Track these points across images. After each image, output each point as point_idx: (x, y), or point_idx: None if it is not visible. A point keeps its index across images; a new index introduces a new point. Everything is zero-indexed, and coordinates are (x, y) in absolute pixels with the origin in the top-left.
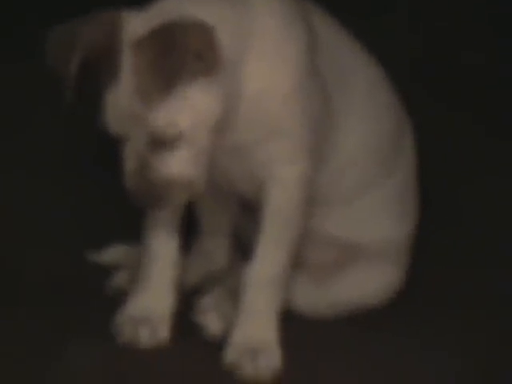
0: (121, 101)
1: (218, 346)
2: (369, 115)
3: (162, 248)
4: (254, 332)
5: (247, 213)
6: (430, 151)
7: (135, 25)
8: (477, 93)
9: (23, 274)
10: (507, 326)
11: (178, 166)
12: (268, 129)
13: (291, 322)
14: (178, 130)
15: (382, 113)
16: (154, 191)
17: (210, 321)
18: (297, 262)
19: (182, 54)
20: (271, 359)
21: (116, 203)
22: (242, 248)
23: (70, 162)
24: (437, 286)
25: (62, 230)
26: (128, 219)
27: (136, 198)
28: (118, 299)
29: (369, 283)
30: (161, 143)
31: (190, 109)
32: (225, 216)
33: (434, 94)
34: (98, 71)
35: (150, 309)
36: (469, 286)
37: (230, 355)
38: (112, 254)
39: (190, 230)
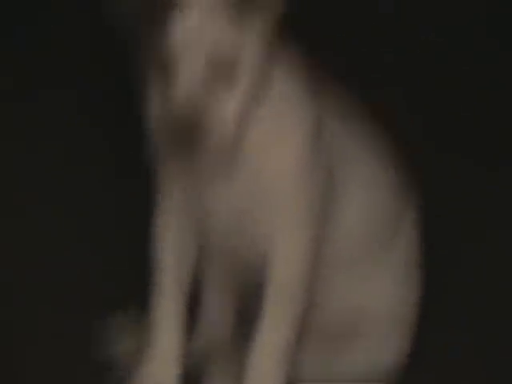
0: (192, 20)
1: None
2: (368, 195)
3: (168, 318)
4: None
5: (251, 288)
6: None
7: None
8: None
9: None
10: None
11: (231, 109)
12: (269, 199)
13: None
14: (239, 50)
15: (382, 188)
16: (193, 126)
17: None
18: (301, 332)
19: None
20: None
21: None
22: (246, 320)
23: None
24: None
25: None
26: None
27: (169, 130)
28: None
29: (373, 353)
30: (218, 72)
31: (251, 41)
32: (229, 289)
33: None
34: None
35: (156, 379)
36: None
37: None
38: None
39: (194, 301)
